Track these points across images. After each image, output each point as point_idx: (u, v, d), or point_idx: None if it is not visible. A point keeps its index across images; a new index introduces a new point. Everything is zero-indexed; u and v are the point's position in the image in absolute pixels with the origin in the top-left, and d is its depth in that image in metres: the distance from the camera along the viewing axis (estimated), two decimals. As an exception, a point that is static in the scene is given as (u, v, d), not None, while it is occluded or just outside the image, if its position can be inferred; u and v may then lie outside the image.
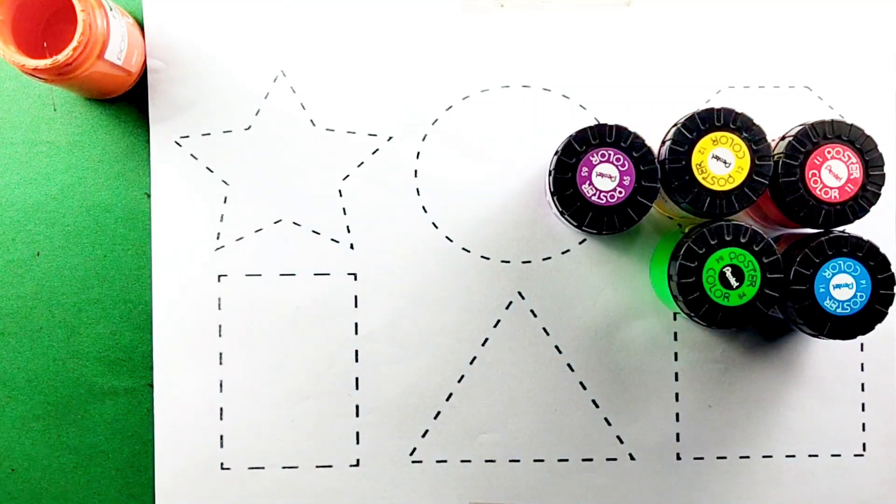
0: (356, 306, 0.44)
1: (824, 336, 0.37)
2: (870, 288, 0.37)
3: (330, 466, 0.43)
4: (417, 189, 0.44)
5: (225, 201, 0.44)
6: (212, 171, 0.44)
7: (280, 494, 0.43)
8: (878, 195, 0.38)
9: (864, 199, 0.38)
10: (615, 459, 0.44)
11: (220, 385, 0.43)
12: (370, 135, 0.44)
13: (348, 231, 0.44)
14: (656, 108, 0.44)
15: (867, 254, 0.37)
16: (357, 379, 0.43)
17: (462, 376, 0.43)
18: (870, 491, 0.44)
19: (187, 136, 0.43)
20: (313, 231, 0.44)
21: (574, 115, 0.44)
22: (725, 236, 0.37)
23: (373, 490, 0.43)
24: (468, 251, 0.44)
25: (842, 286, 0.37)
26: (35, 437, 0.44)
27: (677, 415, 0.44)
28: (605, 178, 0.38)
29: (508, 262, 0.44)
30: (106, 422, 0.44)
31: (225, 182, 0.44)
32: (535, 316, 0.44)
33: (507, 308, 0.44)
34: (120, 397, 0.44)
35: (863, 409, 0.44)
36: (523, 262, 0.44)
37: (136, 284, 0.44)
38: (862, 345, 0.44)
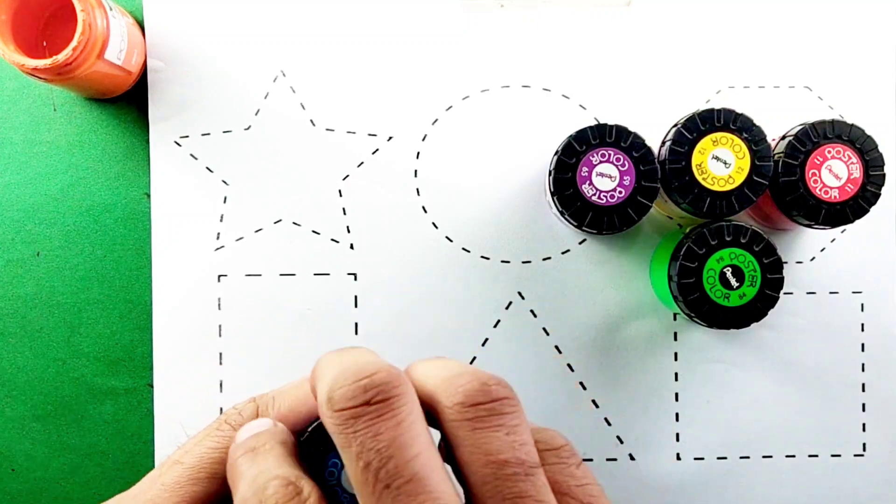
0: (356, 306, 0.44)
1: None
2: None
3: (330, 466, 0.43)
4: (417, 189, 0.44)
5: (225, 201, 0.44)
6: (211, 171, 0.43)
7: (280, 494, 0.43)
8: (878, 195, 0.38)
9: (864, 199, 0.38)
10: (615, 459, 0.44)
11: (220, 385, 0.43)
12: (370, 135, 0.44)
13: (348, 231, 0.44)
14: (656, 108, 0.44)
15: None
16: (357, 379, 0.43)
17: (462, 376, 0.43)
18: (870, 491, 0.44)
19: (187, 136, 0.43)
20: (313, 231, 0.44)
21: (574, 115, 0.44)
22: (726, 237, 0.37)
23: (373, 490, 0.43)
24: (468, 251, 0.44)
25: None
26: (35, 437, 0.43)
27: (677, 415, 0.44)
28: (605, 178, 0.38)
29: (508, 262, 0.44)
30: (106, 422, 0.44)
31: (225, 182, 0.44)
32: (535, 316, 0.44)
33: (507, 308, 0.44)
34: (120, 397, 0.44)
35: (863, 410, 0.44)
36: (523, 262, 0.44)
37: (136, 284, 0.44)
38: (863, 345, 0.44)
